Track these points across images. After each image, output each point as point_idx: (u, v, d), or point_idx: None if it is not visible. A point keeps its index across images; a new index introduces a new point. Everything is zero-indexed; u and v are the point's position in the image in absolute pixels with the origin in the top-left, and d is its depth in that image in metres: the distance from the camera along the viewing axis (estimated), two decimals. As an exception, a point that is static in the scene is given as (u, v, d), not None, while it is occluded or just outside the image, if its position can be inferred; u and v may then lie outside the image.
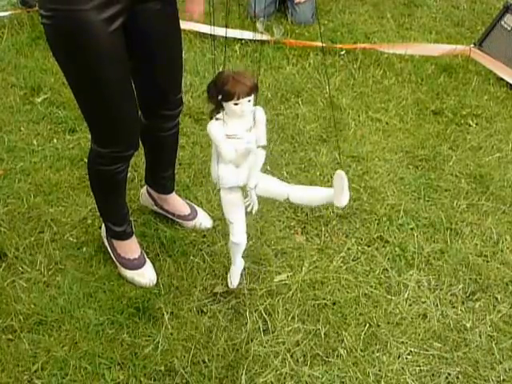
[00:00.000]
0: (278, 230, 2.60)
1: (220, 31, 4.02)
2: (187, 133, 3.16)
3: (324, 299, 2.30)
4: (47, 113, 3.33)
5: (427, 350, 2.14)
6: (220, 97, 1.79)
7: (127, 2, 1.83)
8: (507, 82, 3.74)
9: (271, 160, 2.99)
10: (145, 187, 2.64)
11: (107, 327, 2.18)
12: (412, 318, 2.25)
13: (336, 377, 2.04)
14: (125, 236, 2.39)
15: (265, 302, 2.29)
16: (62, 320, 2.20)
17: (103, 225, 2.44)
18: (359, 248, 2.54)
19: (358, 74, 3.81)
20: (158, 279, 2.35)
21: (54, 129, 3.22)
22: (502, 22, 3.91)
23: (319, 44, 4.09)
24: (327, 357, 2.11)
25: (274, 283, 2.36)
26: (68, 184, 2.82)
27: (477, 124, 3.38)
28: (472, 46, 4.06)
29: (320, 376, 2.04)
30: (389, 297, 2.33)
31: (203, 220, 2.60)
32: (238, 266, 2.21)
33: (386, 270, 2.45)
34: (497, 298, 2.35)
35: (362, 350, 2.13)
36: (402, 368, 2.08)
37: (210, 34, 4.08)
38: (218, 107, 1.83)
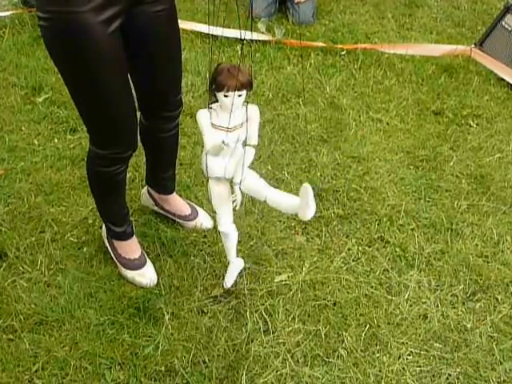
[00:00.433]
0: (278, 230, 2.60)
1: (221, 31, 4.03)
2: (188, 133, 3.17)
3: (324, 300, 2.30)
4: (48, 112, 3.33)
5: (428, 351, 2.14)
6: (213, 86, 1.84)
7: (125, 3, 1.83)
8: (508, 83, 3.74)
9: (272, 160, 2.99)
10: (145, 187, 2.64)
11: (108, 327, 2.18)
12: (412, 319, 2.25)
13: (336, 377, 2.04)
14: (125, 236, 2.39)
15: (265, 302, 2.29)
16: (62, 320, 2.20)
17: (104, 225, 2.45)
18: (360, 248, 2.54)
19: (358, 75, 3.81)
20: (158, 279, 2.35)
21: (55, 128, 3.22)
22: (503, 23, 3.90)
23: (320, 44, 4.09)
24: (328, 357, 2.11)
25: (274, 283, 2.36)
26: (69, 184, 2.82)
27: (477, 124, 3.38)
28: (473, 46, 4.06)
29: (320, 376, 2.04)
30: (389, 297, 2.33)
31: (204, 220, 2.60)
32: (234, 264, 2.20)
33: (387, 270, 2.45)
34: (497, 299, 2.35)
35: (362, 351, 2.13)
36: (403, 368, 2.08)
37: (211, 34, 4.09)
38: (215, 97, 1.88)
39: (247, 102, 1.90)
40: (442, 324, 2.24)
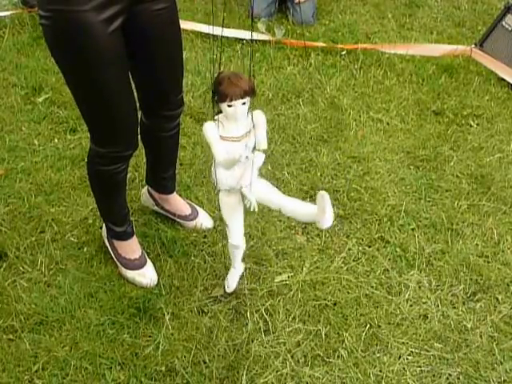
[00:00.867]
0: (278, 230, 2.60)
1: (221, 31, 4.00)
2: (188, 133, 3.16)
3: (325, 300, 2.30)
4: (48, 112, 3.33)
5: (428, 351, 2.14)
6: (216, 97, 1.79)
7: (126, 2, 1.83)
8: (508, 83, 3.74)
9: (272, 160, 2.99)
10: (145, 187, 2.64)
11: (108, 327, 2.18)
12: (413, 319, 2.25)
13: (337, 377, 2.04)
14: (125, 236, 2.39)
15: (265, 302, 2.29)
16: (62, 320, 2.20)
17: (104, 225, 2.45)
18: (360, 248, 2.54)
19: (358, 75, 3.80)
20: (158, 279, 2.35)
21: (55, 128, 3.22)
22: (503, 23, 3.90)
23: (320, 44, 4.09)
24: (328, 357, 2.11)
25: (274, 283, 2.36)
26: (69, 184, 2.82)
27: (478, 124, 3.38)
28: (473, 46, 4.06)
29: (321, 377, 2.04)
30: (390, 297, 2.33)
31: (204, 220, 2.60)
32: (237, 269, 2.21)
33: (387, 270, 2.44)
34: (498, 299, 2.35)
35: (362, 351, 2.13)
36: (403, 368, 2.08)
37: (212, 34, 4.09)
38: (218, 108, 1.83)
39: (251, 109, 1.86)
40: (442, 324, 2.24)
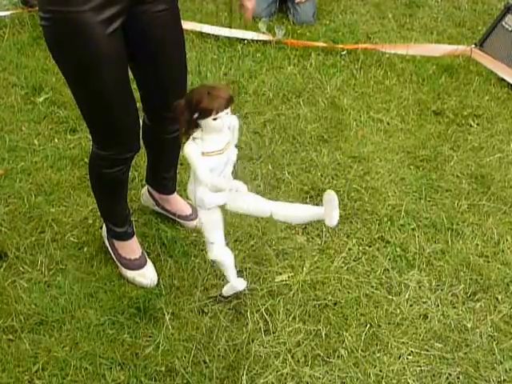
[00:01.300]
0: (279, 230, 2.60)
1: (222, 31, 4.03)
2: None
3: (325, 299, 2.30)
4: (48, 112, 3.33)
5: (428, 351, 2.14)
6: (196, 115, 1.74)
7: (126, 3, 1.83)
8: (508, 83, 3.74)
9: (273, 160, 2.99)
10: (146, 187, 2.64)
11: (108, 327, 2.18)
12: (413, 319, 2.25)
13: (337, 377, 2.04)
14: (126, 236, 2.39)
15: (266, 302, 2.28)
16: (62, 320, 2.20)
17: (104, 225, 2.44)
18: (360, 248, 2.54)
19: (359, 75, 3.80)
20: (158, 279, 2.35)
21: (55, 128, 3.22)
22: (503, 23, 3.90)
23: (320, 44, 4.09)
24: (328, 357, 2.11)
25: (274, 283, 2.36)
26: (69, 184, 2.82)
27: (478, 124, 3.38)
28: (473, 46, 4.06)
29: (321, 376, 2.04)
30: (390, 297, 2.33)
31: (204, 220, 2.60)
32: (233, 285, 2.19)
33: (387, 270, 2.44)
34: (497, 299, 2.35)
35: (362, 351, 2.13)
36: (403, 368, 2.08)
37: (212, 34, 4.10)
38: (192, 127, 1.78)
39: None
40: (442, 324, 2.24)
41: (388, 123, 3.36)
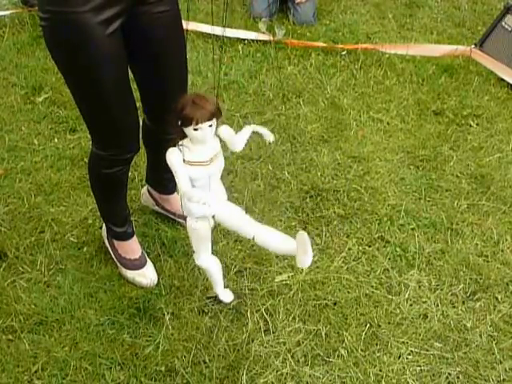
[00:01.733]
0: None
1: (222, 31, 4.00)
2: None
3: (325, 299, 2.30)
4: (48, 112, 3.34)
5: (428, 350, 2.14)
6: (179, 122, 1.70)
7: (126, 3, 1.83)
8: (508, 83, 3.74)
9: (273, 160, 2.99)
10: (145, 187, 2.64)
11: (108, 327, 2.18)
12: (413, 318, 2.25)
13: (337, 377, 2.04)
14: (126, 236, 2.39)
15: (266, 302, 2.29)
16: (62, 320, 2.20)
17: (104, 225, 2.44)
18: (360, 248, 2.54)
19: (359, 75, 3.80)
20: (158, 279, 2.35)
21: (55, 128, 3.22)
22: (503, 23, 3.90)
23: (321, 44, 4.09)
24: (328, 357, 2.11)
25: (274, 283, 2.36)
26: (69, 184, 2.82)
27: (477, 124, 3.38)
28: (473, 46, 4.06)
29: (321, 376, 2.04)
30: (389, 297, 2.33)
31: (204, 220, 2.59)
32: (220, 296, 2.19)
33: (387, 270, 2.44)
34: (497, 298, 2.35)
35: (362, 350, 2.13)
36: (403, 368, 2.08)
37: (213, 34, 4.09)
38: (181, 134, 1.74)
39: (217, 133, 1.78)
40: (442, 323, 2.24)
41: (388, 123, 3.36)
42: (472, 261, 2.48)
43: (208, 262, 2.04)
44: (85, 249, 2.49)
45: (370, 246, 2.55)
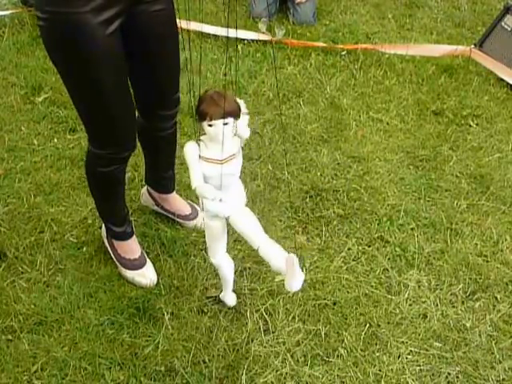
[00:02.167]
0: (278, 229, 2.60)
1: (222, 31, 4.02)
2: (188, 132, 3.16)
3: (324, 299, 2.30)
4: (48, 112, 3.33)
5: (427, 350, 2.14)
6: (196, 116, 1.72)
7: (125, 4, 1.83)
8: (507, 83, 3.74)
9: (273, 160, 2.99)
10: (145, 187, 2.64)
11: (107, 327, 2.18)
12: (412, 318, 2.25)
13: (336, 377, 2.04)
14: (125, 236, 2.39)
15: (265, 302, 2.29)
16: (62, 320, 2.20)
17: (103, 225, 2.44)
18: (360, 248, 2.54)
19: (359, 75, 3.81)
20: (158, 279, 2.35)
21: (55, 128, 3.22)
22: (503, 23, 3.90)
23: (321, 44, 4.09)
24: (327, 357, 2.11)
25: (274, 283, 2.36)
26: (68, 184, 2.82)
27: (477, 124, 3.38)
28: (472, 46, 4.06)
29: (320, 376, 2.04)
30: (389, 297, 2.33)
31: (204, 220, 2.59)
32: (225, 297, 2.19)
33: (387, 269, 2.44)
34: (497, 298, 2.35)
35: (362, 350, 2.13)
36: (403, 368, 2.08)
37: (212, 34, 4.10)
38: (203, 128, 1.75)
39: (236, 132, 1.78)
40: (441, 323, 2.24)
41: (387, 123, 3.36)
42: (471, 261, 2.48)
43: (221, 261, 2.04)
44: (84, 249, 2.49)
45: (369, 246, 2.55)
